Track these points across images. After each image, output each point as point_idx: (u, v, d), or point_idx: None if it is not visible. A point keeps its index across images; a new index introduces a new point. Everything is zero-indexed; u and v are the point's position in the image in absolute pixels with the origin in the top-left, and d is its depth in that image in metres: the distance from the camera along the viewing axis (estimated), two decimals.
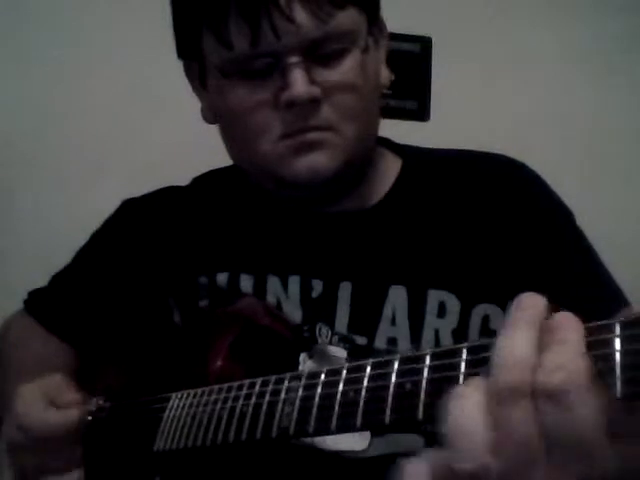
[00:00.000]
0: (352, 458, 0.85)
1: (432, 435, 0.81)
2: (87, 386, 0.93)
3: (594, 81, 2.05)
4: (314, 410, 0.62)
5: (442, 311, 0.89)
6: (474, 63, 1.98)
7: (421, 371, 0.55)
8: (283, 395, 0.67)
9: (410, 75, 1.96)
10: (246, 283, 0.96)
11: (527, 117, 1.99)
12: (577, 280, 0.89)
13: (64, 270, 1.14)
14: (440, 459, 0.47)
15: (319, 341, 0.90)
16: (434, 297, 0.89)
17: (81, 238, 1.14)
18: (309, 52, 0.85)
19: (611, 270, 0.93)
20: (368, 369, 0.60)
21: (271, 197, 0.98)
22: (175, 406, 0.82)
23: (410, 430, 0.82)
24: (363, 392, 0.59)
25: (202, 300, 0.99)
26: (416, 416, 0.54)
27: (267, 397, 0.68)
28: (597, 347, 0.45)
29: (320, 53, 0.86)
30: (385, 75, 0.97)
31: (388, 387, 0.57)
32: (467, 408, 0.46)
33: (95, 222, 1.14)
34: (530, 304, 0.49)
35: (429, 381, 0.54)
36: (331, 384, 0.61)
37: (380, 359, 0.59)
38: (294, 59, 0.84)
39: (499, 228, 0.92)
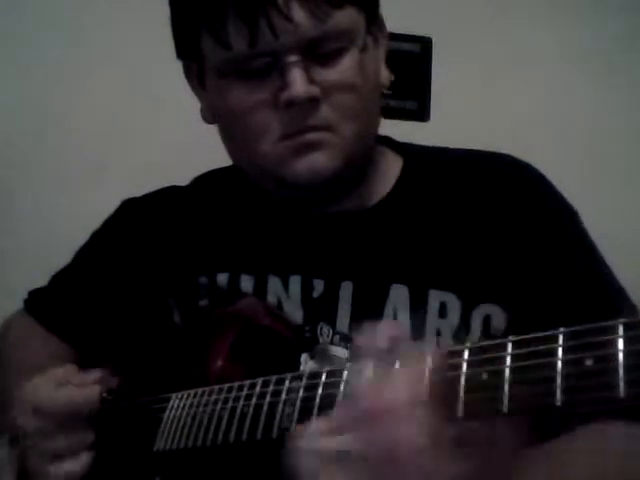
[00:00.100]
0: None
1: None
2: None
3: (594, 81, 2.05)
4: (315, 411, 0.62)
5: (443, 311, 0.89)
6: (474, 63, 1.97)
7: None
8: (284, 396, 0.67)
9: (410, 75, 1.96)
10: (246, 283, 0.96)
11: (527, 117, 1.99)
12: (580, 280, 0.89)
13: (64, 270, 1.14)
14: None
15: (320, 341, 0.90)
16: (435, 297, 0.89)
17: (81, 238, 1.14)
18: (308, 51, 0.84)
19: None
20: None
21: (271, 197, 0.98)
22: (175, 406, 0.82)
23: None
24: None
25: (202, 300, 0.99)
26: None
27: (268, 398, 0.68)
28: (593, 349, 0.45)
29: (319, 52, 0.85)
30: (385, 74, 0.96)
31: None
32: (309, 444, 0.56)
33: (95, 222, 1.14)
34: (374, 337, 0.58)
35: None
36: (332, 385, 0.61)
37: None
38: (293, 58, 0.84)
39: (501, 227, 0.92)
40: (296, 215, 0.97)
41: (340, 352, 0.89)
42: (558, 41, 2.03)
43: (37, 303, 1.13)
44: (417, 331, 0.89)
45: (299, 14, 0.83)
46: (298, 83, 0.83)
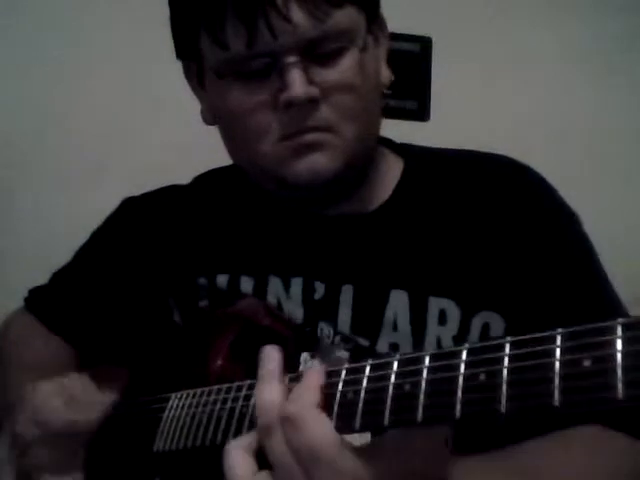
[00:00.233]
0: None
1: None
2: None
3: (594, 81, 2.05)
4: None
5: (443, 318, 0.89)
6: (474, 63, 1.97)
7: (420, 372, 0.55)
8: None
9: (410, 75, 1.96)
10: (246, 285, 0.96)
11: (527, 117, 1.99)
12: (578, 290, 0.89)
13: (65, 268, 1.14)
14: None
15: (321, 341, 0.90)
16: (435, 304, 0.89)
17: (81, 238, 1.14)
18: (307, 52, 0.84)
19: (611, 270, 0.93)
20: (367, 370, 0.60)
21: (272, 198, 0.97)
22: (175, 406, 0.82)
23: None
24: (362, 393, 0.59)
25: (202, 300, 0.99)
26: (415, 417, 0.54)
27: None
28: (591, 350, 0.46)
29: (318, 52, 0.85)
30: (385, 74, 0.96)
31: (387, 388, 0.57)
32: (232, 461, 0.63)
33: (95, 222, 1.14)
34: (272, 357, 0.65)
35: (429, 382, 0.54)
36: (330, 385, 0.61)
37: (379, 360, 0.59)
38: (292, 59, 0.83)
39: (501, 234, 0.91)
40: (297, 217, 0.97)
41: (341, 353, 0.89)
42: (558, 41, 2.04)
43: (37, 301, 1.13)
44: (417, 338, 0.89)
45: (298, 14, 0.82)
46: (297, 84, 0.83)
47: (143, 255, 1.06)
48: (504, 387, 0.49)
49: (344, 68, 0.86)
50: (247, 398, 0.71)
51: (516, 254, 0.90)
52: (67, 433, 0.85)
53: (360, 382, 0.59)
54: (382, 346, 0.90)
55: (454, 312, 0.89)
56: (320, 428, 0.58)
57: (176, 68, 0.98)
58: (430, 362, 0.55)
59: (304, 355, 0.87)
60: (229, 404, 0.73)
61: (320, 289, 0.93)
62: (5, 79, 1.73)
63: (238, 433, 0.70)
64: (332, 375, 0.62)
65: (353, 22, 0.87)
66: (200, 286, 0.99)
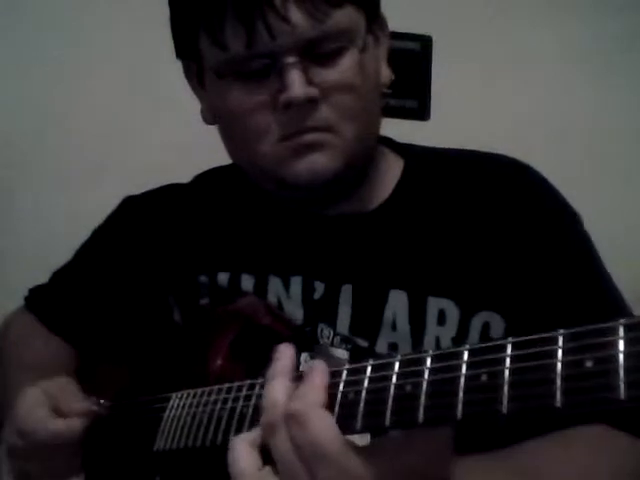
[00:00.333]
0: None
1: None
2: (87, 385, 0.93)
3: (594, 81, 2.05)
4: None
5: (442, 319, 0.89)
6: (474, 63, 1.97)
7: (422, 373, 0.55)
8: None
9: (410, 74, 1.95)
10: (247, 283, 0.96)
11: (527, 117, 1.98)
12: (578, 290, 0.89)
13: (65, 267, 1.14)
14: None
15: (321, 342, 0.90)
16: (434, 304, 0.89)
17: (81, 238, 1.14)
18: (306, 52, 0.84)
19: (612, 270, 0.93)
20: (368, 371, 0.60)
21: (272, 197, 0.98)
22: (175, 406, 0.82)
23: None
24: (363, 394, 0.59)
25: (202, 299, 0.99)
26: (416, 418, 0.54)
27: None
28: (593, 350, 0.46)
29: (318, 53, 0.85)
30: (386, 74, 0.96)
31: (388, 389, 0.57)
32: (236, 453, 0.63)
33: (95, 222, 1.14)
34: (284, 355, 0.66)
35: (430, 383, 0.54)
36: (331, 386, 0.61)
37: (380, 361, 0.59)
38: (291, 59, 0.83)
39: (502, 233, 0.91)
40: (297, 216, 0.97)
41: (340, 353, 0.90)
42: (558, 41, 2.03)
43: (38, 300, 1.13)
44: (416, 338, 0.89)
45: (296, 15, 0.82)
46: (296, 84, 0.83)
47: (144, 254, 1.07)
48: (506, 388, 0.49)
49: (344, 68, 0.86)
50: (248, 398, 0.71)
51: (516, 254, 0.90)
52: (52, 443, 0.85)
53: (361, 383, 0.59)
54: (381, 346, 0.90)
55: (453, 312, 0.89)
56: (324, 427, 0.58)
57: (176, 68, 0.98)
58: (431, 363, 0.55)
59: (304, 355, 0.87)
60: (230, 404, 0.73)
61: (320, 288, 0.93)
62: (5, 79, 1.73)
63: (238, 433, 0.70)
64: (333, 375, 0.62)
65: (353, 22, 0.87)
66: (201, 284, 0.99)
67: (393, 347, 0.89)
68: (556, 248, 0.91)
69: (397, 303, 0.90)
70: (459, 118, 1.88)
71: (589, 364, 0.45)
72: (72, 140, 1.75)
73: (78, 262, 1.14)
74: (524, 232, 0.91)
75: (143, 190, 1.13)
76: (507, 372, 0.49)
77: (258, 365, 0.79)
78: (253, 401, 0.70)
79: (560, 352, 0.47)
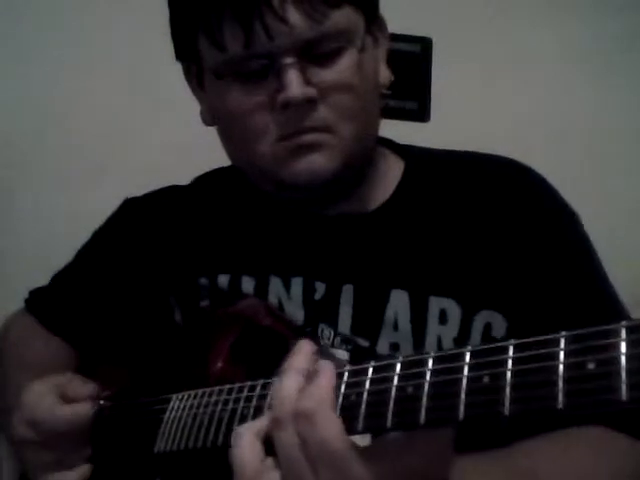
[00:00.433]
0: None
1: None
2: None
3: (594, 81, 2.05)
4: None
5: (443, 318, 0.89)
6: (474, 63, 1.97)
7: (423, 374, 0.55)
8: None
9: (410, 75, 1.95)
10: (248, 285, 0.96)
11: (527, 117, 1.98)
12: (578, 291, 0.89)
13: (65, 269, 1.14)
14: None
15: (321, 342, 0.90)
16: (435, 304, 0.89)
17: (81, 238, 1.14)
18: (304, 52, 0.84)
19: (611, 270, 0.93)
20: (370, 372, 0.60)
21: (272, 198, 0.98)
22: (176, 407, 0.82)
23: None
24: (365, 395, 0.59)
25: (203, 300, 0.99)
26: (418, 420, 0.54)
27: (268, 399, 0.68)
28: (595, 352, 0.46)
29: (316, 53, 0.85)
30: (385, 74, 0.96)
31: (390, 391, 0.57)
32: (240, 443, 0.63)
33: (95, 222, 1.14)
34: (301, 350, 0.65)
35: (432, 384, 0.54)
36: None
37: (382, 362, 0.59)
38: (289, 60, 0.83)
39: (501, 233, 0.91)
40: (297, 217, 0.97)
41: (341, 354, 0.90)
42: (558, 41, 2.03)
43: (38, 302, 1.13)
44: (418, 338, 0.89)
45: (294, 15, 0.82)
46: (294, 85, 0.83)
47: (144, 256, 1.07)
48: (508, 390, 0.49)
49: (342, 68, 0.86)
50: (248, 399, 0.71)
51: (517, 254, 0.90)
52: (63, 431, 0.85)
53: (363, 384, 0.59)
54: (382, 346, 0.90)
55: (455, 311, 0.89)
56: (333, 427, 0.58)
57: (176, 68, 0.98)
58: (433, 364, 0.55)
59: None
60: (230, 405, 0.73)
61: (320, 289, 0.93)
62: (5, 79, 1.73)
63: None
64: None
65: (351, 22, 0.87)
66: (201, 286, 0.99)
67: (394, 347, 0.89)
68: (555, 248, 0.91)
69: (398, 303, 0.90)
70: (459, 119, 1.87)
71: (591, 366, 0.45)
72: (72, 140, 1.74)
73: (78, 264, 1.14)
74: (524, 232, 0.91)
75: (143, 191, 1.13)
76: (509, 374, 0.49)
77: (259, 367, 0.79)
78: (254, 402, 0.70)
79: (562, 354, 0.47)
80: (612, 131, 2.04)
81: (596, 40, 2.04)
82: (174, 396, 0.83)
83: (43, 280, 1.15)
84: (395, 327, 0.90)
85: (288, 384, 0.62)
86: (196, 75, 0.94)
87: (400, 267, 0.92)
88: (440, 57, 1.98)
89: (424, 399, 0.54)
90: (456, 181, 0.97)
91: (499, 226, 0.92)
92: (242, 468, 0.62)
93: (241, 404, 0.72)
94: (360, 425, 0.58)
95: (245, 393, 0.72)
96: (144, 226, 1.08)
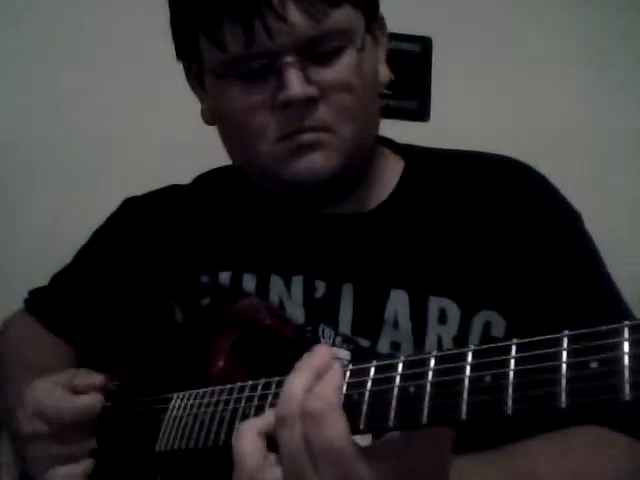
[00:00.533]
0: None
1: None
2: None
3: (594, 81, 2.05)
4: None
5: (443, 318, 0.89)
6: (474, 63, 1.97)
7: (426, 374, 0.55)
8: None
9: (410, 75, 1.95)
10: (249, 282, 0.96)
11: (527, 117, 1.99)
12: (580, 290, 0.89)
13: (65, 269, 1.14)
14: None
15: (322, 342, 0.90)
16: (435, 304, 0.89)
17: (81, 238, 1.14)
18: (305, 51, 0.84)
19: (611, 270, 0.93)
20: (372, 372, 0.60)
21: (272, 197, 0.98)
22: (177, 406, 0.82)
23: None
24: (367, 395, 0.59)
25: (204, 299, 0.99)
26: (420, 420, 0.54)
27: (269, 399, 0.68)
28: (598, 352, 0.46)
29: (316, 52, 0.85)
30: (385, 74, 0.96)
31: (392, 390, 0.57)
32: (243, 438, 0.63)
33: (95, 222, 1.14)
34: (317, 353, 0.64)
35: (434, 384, 0.54)
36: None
37: (384, 362, 0.59)
38: (289, 59, 0.83)
39: (502, 233, 0.91)
40: (297, 215, 0.97)
41: (342, 354, 0.89)
42: (558, 41, 2.03)
43: (38, 303, 1.13)
44: (418, 337, 0.89)
45: (294, 14, 0.82)
46: (295, 83, 0.83)
47: (144, 255, 1.06)
48: (510, 389, 0.49)
49: (342, 68, 0.86)
50: (250, 399, 0.71)
51: (517, 253, 0.90)
52: (69, 421, 0.85)
53: (365, 384, 0.59)
54: (383, 345, 0.90)
55: (454, 311, 0.89)
56: (339, 428, 0.58)
57: (176, 68, 0.98)
58: (435, 364, 0.55)
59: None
60: (232, 405, 0.73)
61: (321, 288, 0.93)
62: (5, 79, 1.73)
63: None
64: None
65: (351, 22, 0.87)
66: (202, 284, 0.99)
67: (395, 346, 0.89)
68: (557, 247, 0.91)
69: (398, 302, 0.90)
70: (459, 119, 1.88)
71: (594, 365, 0.45)
72: (72, 140, 1.75)
73: (78, 263, 1.14)
74: (525, 231, 0.91)
75: (144, 191, 1.13)
76: (512, 373, 0.49)
77: (260, 366, 0.79)
78: (255, 402, 0.70)
79: (565, 354, 0.47)
80: (612, 131, 2.05)
81: (596, 40, 2.05)
82: (175, 395, 0.83)
83: (43, 280, 1.15)
84: (395, 326, 0.90)
85: (295, 382, 0.61)
86: (196, 74, 0.94)
87: (399, 267, 0.92)
88: (440, 57, 1.98)
89: (426, 399, 0.54)
90: (456, 180, 0.97)
91: (499, 226, 0.92)
92: (243, 464, 0.62)
93: (242, 404, 0.72)
94: (362, 425, 0.58)
95: (246, 393, 0.72)
96: (144, 225, 1.08)
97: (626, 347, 0.44)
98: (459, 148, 1.02)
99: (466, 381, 0.51)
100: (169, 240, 1.05)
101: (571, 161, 1.91)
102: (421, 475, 0.59)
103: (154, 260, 1.05)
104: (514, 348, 0.50)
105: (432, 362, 0.55)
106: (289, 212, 0.97)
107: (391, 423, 0.56)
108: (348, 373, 0.62)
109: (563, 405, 0.46)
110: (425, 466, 0.59)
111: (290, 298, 0.94)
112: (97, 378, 0.88)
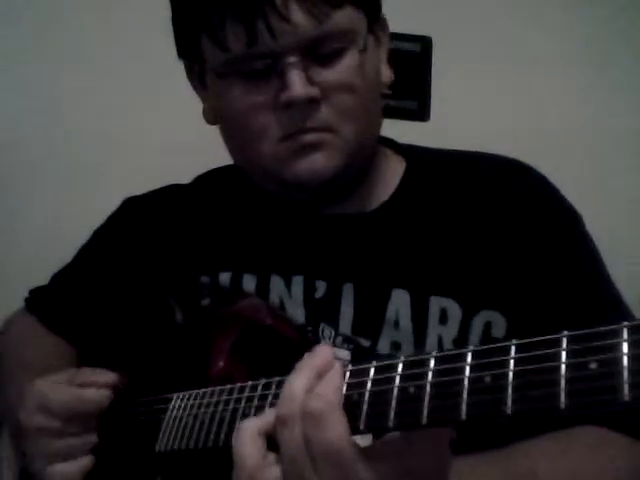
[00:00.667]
0: None
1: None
2: None
3: (594, 81, 2.05)
4: None
5: (444, 318, 0.89)
6: (474, 63, 1.97)
7: (425, 375, 0.55)
8: None
9: (410, 75, 1.95)
10: (249, 283, 0.96)
11: (527, 117, 1.99)
12: (580, 291, 0.89)
13: (65, 268, 1.14)
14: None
15: (322, 342, 0.90)
16: (436, 303, 0.89)
17: (81, 238, 1.14)
18: (307, 52, 0.84)
19: (611, 270, 0.93)
20: (372, 372, 0.60)
21: (273, 197, 0.98)
22: (177, 407, 0.82)
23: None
24: (367, 395, 0.59)
25: (204, 299, 0.99)
26: (420, 420, 0.54)
27: (269, 399, 0.68)
28: (597, 352, 0.46)
29: (318, 53, 0.85)
30: (386, 74, 0.96)
31: (392, 391, 0.57)
32: (243, 437, 0.63)
33: (95, 222, 1.14)
34: (318, 353, 0.64)
35: (433, 385, 0.54)
36: None
37: (384, 362, 0.60)
38: (292, 59, 0.83)
39: (504, 233, 0.91)
40: (298, 216, 0.97)
41: (342, 354, 0.89)
42: (558, 41, 2.03)
43: (38, 302, 1.13)
44: (419, 337, 0.89)
45: (297, 15, 0.82)
46: (297, 84, 0.83)
47: (144, 255, 1.07)
48: (510, 389, 0.49)
49: (344, 68, 0.86)
50: (250, 399, 0.71)
51: (518, 253, 0.90)
52: (74, 414, 0.85)
53: (365, 384, 0.59)
54: (384, 345, 0.90)
55: (455, 311, 0.89)
56: (340, 429, 0.58)
57: (177, 68, 0.98)
58: (435, 365, 0.55)
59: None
60: (232, 405, 0.73)
61: (321, 288, 0.93)
62: (5, 79, 1.73)
63: None
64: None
65: (353, 22, 0.87)
66: (202, 284, 0.99)
67: (396, 346, 0.89)
68: (557, 248, 0.91)
69: (399, 302, 0.90)
70: (459, 119, 1.88)
71: (593, 366, 0.45)
72: (72, 140, 1.75)
73: (79, 263, 1.14)
74: (525, 232, 0.91)
75: (144, 191, 1.13)
76: (511, 374, 0.49)
77: (260, 366, 0.79)
78: (255, 402, 0.70)
79: (564, 354, 0.47)
80: (612, 131, 2.04)
81: (596, 40, 2.05)
82: (175, 395, 0.83)
83: (43, 280, 1.15)
84: (396, 326, 0.90)
85: (296, 383, 0.61)
86: (198, 74, 0.94)
87: (401, 267, 0.92)
88: (440, 57, 1.98)
89: (426, 399, 0.54)
90: (457, 181, 0.97)
91: (500, 226, 0.92)
92: (243, 463, 0.62)
93: (242, 404, 0.72)
94: (362, 425, 0.58)
95: (246, 393, 0.72)
96: (144, 225, 1.08)
97: (625, 348, 0.44)
98: (459, 148, 1.02)
99: (466, 382, 0.52)
100: (169, 240, 1.05)
101: (571, 161, 1.91)
102: (421, 475, 0.59)
103: (154, 260, 1.05)
104: (513, 349, 0.51)
105: (432, 362, 0.55)
106: (290, 212, 0.97)
107: (391, 423, 0.56)
108: (348, 373, 0.62)
109: (563, 405, 0.46)
110: (425, 466, 0.59)
111: (290, 298, 0.94)
112: (110, 376, 0.88)
